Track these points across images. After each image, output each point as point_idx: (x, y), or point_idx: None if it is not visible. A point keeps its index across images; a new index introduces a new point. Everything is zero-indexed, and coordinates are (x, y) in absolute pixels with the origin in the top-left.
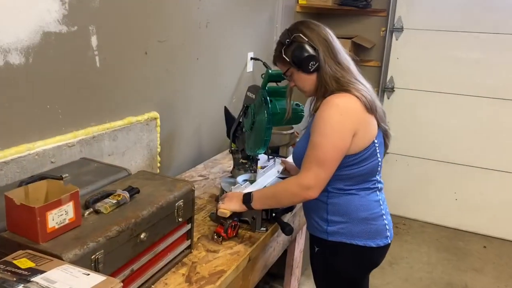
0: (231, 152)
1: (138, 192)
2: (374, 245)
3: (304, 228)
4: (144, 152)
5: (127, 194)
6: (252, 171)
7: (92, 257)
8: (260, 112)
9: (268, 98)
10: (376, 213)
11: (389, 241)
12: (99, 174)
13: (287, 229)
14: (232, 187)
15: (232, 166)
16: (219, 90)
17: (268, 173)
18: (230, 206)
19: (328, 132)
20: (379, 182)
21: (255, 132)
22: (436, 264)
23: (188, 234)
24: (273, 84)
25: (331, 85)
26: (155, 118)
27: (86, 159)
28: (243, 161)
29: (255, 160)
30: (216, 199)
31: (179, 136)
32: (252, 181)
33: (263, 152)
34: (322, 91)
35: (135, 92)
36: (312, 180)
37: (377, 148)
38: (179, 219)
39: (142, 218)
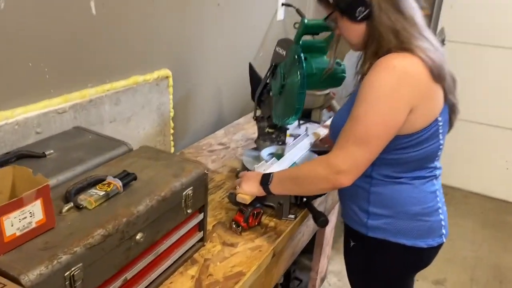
0: (256, 119)
1: (134, 179)
2: (424, 246)
3: (337, 206)
4: (154, 117)
5: (119, 183)
6: (280, 143)
7: (66, 274)
8: (292, 73)
9: (302, 55)
10: (431, 207)
11: (444, 240)
12: (92, 150)
13: (321, 220)
14: (255, 165)
15: (256, 134)
16: (243, 43)
17: (300, 145)
18: (247, 189)
19: (376, 102)
20: (438, 168)
21: (284, 97)
22: (482, 242)
23: (200, 225)
24: (309, 37)
25: (387, 40)
26: (167, 77)
27: (80, 128)
28: (269, 130)
29: (283, 130)
30: (237, 174)
31: (195, 97)
32: (279, 155)
33: (294, 122)
34: (375, 48)
35: (141, 46)
36: (346, 162)
37: (440, 127)
38: (188, 211)
39: (138, 215)
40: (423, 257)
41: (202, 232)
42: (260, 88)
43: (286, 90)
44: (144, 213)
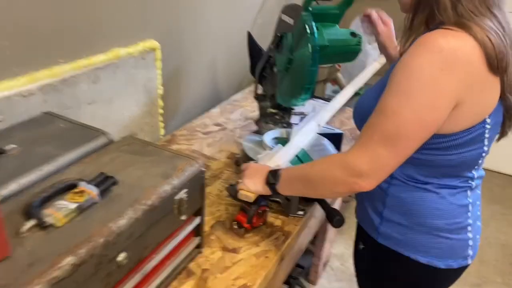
0: (257, 98)
1: (114, 183)
2: (442, 266)
3: None
4: (140, 97)
5: (95, 191)
6: (285, 125)
7: None
8: (301, 46)
9: (314, 25)
10: (458, 223)
11: (469, 262)
12: (63, 142)
13: (337, 220)
14: (259, 156)
15: (257, 114)
16: (240, 8)
17: (307, 128)
18: (251, 186)
19: (413, 94)
20: (476, 178)
21: (292, 74)
22: (488, 219)
23: (197, 230)
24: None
25: (443, 7)
26: (154, 49)
27: (51, 114)
28: (272, 110)
29: (288, 110)
30: (236, 162)
31: (187, 72)
32: (283, 140)
33: (302, 103)
34: (425, 15)
35: (123, 13)
36: (368, 163)
37: (486, 131)
38: (182, 217)
39: (119, 232)
40: (439, 277)
41: (199, 237)
42: (262, 62)
43: (293, 65)
44: (127, 228)
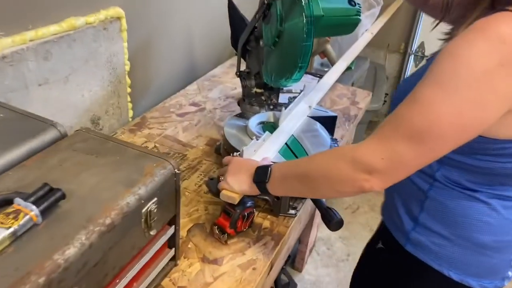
0: (239, 75)
1: (62, 197)
2: (476, 286)
3: None
4: (103, 74)
5: (35, 212)
6: (272, 107)
7: None
8: (292, 16)
9: None
10: (508, 241)
11: (505, 284)
12: (1, 138)
13: (335, 223)
14: (244, 147)
15: (240, 93)
16: None
17: (297, 110)
18: (235, 185)
19: (458, 87)
20: None
21: (281, 49)
22: None
23: (171, 241)
24: None
25: None
26: (119, 18)
27: None
28: (258, 90)
29: (276, 90)
30: (217, 150)
31: (158, 43)
32: (271, 125)
33: (294, 83)
34: None
35: None
36: (385, 160)
37: None
38: (151, 232)
39: (67, 265)
40: None
41: (173, 249)
42: (245, 34)
43: (283, 39)
44: (78, 258)
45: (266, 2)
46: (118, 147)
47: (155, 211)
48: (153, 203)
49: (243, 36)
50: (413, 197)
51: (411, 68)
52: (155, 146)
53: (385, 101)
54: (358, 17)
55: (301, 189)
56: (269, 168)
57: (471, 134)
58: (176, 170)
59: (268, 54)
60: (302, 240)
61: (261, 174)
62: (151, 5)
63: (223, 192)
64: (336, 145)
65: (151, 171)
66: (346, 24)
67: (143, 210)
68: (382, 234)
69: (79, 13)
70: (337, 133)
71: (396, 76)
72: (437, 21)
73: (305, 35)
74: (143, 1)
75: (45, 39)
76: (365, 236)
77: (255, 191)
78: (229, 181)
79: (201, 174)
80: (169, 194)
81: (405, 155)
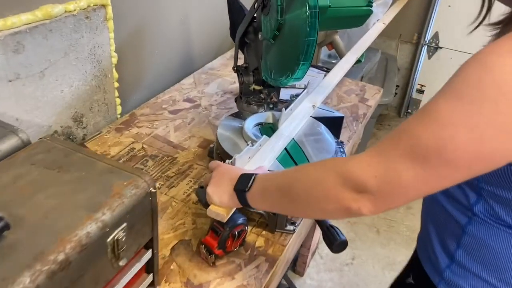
0: (236, 70)
1: (5, 227)
2: None
3: None
4: (86, 67)
5: None
6: (271, 106)
7: None
8: (295, 6)
9: None
10: None
11: None
12: None
13: (337, 244)
14: (236, 155)
15: (238, 88)
16: None
17: (299, 110)
18: (215, 197)
19: (486, 102)
20: None
21: (282, 44)
22: None
23: (149, 266)
24: None
25: None
26: (104, 6)
27: None
28: (256, 87)
29: (276, 87)
30: (210, 152)
31: (150, 32)
32: (269, 126)
33: (295, 82)
34: None
35: None
36: (379, 178)
37: None
38: (120, 263)
39: None
40: None
41: (151, 274)
42: (243, 26)
43: (284, 32)
44: None
45: None
46: (85, 160)
47: (123, 239)
48: (121, 229)
49: (240, 28)
50: (449, 230)
51: (423, 60)
52: (142, 147)
53: (395, 93)
54: (370, 7)
55: (282, 204)
56: (253, 176)
57: (492, 164)
58: (151, 188)
59: (267, 49)
60: (304, 243)
61: (243, 182)
62: None
63: (210, 207)
64: (341, 149)
65: (120, 191)
66: (356, 16)
67: (109, 240)
68: (414, 267)
69: (57, 0)
70: (344, 135)
71: (408, 68)
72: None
73: (308, 29)
74: None
75: (15, 29)
76: (371, 238)
77: (235, 202)
78: (209, 191)
79: (191, 181)
80: (143, 216)
81: (403, 176)
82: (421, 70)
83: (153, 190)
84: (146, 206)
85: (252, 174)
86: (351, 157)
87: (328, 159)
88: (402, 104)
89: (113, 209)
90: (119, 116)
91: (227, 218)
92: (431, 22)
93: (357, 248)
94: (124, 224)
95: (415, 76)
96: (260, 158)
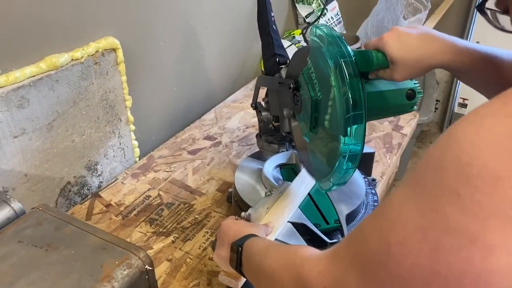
0: (255, 107)
1: None
2: None
3: None
4: (97, 114)
5: None
6: (293, 145)
7: None
8: (326, 94)
9: (355, 67)
10: None
11: None
12: None
13: None
14: (251, 209)
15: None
16: None
17: None
18: (216, 259)
19: (454, 199)
20: None
21: (321, 141)
22: None
23: None
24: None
25: None
26: (114, 50)
27: None
28: (276, 124)
29: None
30: (229, 197)
31: (165, 71)
32: (291, 168)
33: (333, 188)
34: None
35: (63, 3)
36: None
37: None
38: None
39: None
40: None
41: None
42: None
43: (321, 128)
44: None
45: (292, 85)
46: (77, 234)
47: None
48: None
49: (267, 61)
50: None
51: None
52: (158, 194)
53: (436, 108)
54: (413, 108)
55: (257, 282)
56: (248, 240)
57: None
58: (147, 266)
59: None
60: None
61: (235, 247)
62: (152, 28)
63: (221, 273)
64: (373, 191)
65: (110, 273)
66: (395, 112)
67: None
68: None
69: (62, 49)
70: (376, 170)
71: (448, 81)
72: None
73: (341, 128)
74: (141, 25)
75: (18, 84)
76: None
77: (228, 267)
78: (214, 257)
79: (207, 232)
80: None
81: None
82: (463, 83)
83: (149, 268)
84: (142, 287)
85: (246, 237)
86: (310, 254)
87: (292, 250)
88: (444, 119)
89: None
90: (137, 159)
91: (240, 286)
92: (470, 31)
93: None
94: None
95: (457, 89)
96: (280, 207)
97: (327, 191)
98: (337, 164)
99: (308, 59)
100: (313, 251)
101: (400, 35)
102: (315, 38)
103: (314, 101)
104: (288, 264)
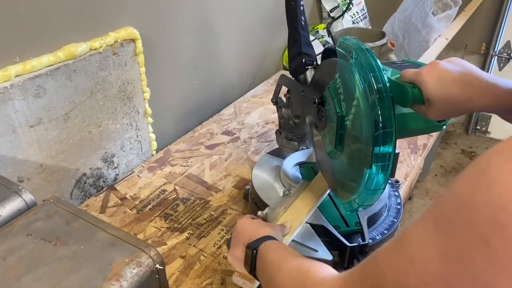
0: (276, 103)
1: None
2: None
3: None
4: (115, 106)
5: None
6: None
7: None
8: (356, 114)
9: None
10: None
11: None
12: None
13: None
14: (267, 209)
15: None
16: None
17: None
18: (230, 259)
19: (476, 238)
20: None
21: (347, 158)
22: None
23: None
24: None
25: None
26: (133, 40)
27: None
28: (297, 120)
29: None
30: (246, 195)
31: (185, 63)
32: (310, 167)
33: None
34: None
35: None
36: None
37: None
38: None
39: None
40: None
41: None
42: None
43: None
44: None
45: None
46: (87, 228)
47: None
48: None
49: (294, 60)
50: None
51: (493, 71)
52: (174, 189)
53: None
54: (443, 128)
55: (267, 282)
56: (264, 240)
57: None
58: (157, 265)
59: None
60: None
61: (251, 249)
62: (172, 19)
63: (236, 274)
64: (396, 193)
65: (119, 272)
66: (424, 132)
67: None
68: None
69: (81, 38)
70: (400, 171)
71: None
72: None
73: (371, 147)
74: (162, 16)
75: (35, 73)
76: None
77: (242, 268)
78: (228, 257)
79: (223, 229)
80: None
81: None
82: None
83: (160, 267)
84: (150, 285)
85: (262, 238)
86: (321, 280)
87: (304, 269)
88: (470, 120)
89: None
90: (154, 152)
91: None
92: (501, 30)
93: None
94: None
95: None
96: (299, 208)
97: (352, 212)
98: (363, 184)
99: (336, 75)
100: (325, 272)
101: (440, 74)
102: (343, 51)
103: (341, 117)
104: (299, 284)
